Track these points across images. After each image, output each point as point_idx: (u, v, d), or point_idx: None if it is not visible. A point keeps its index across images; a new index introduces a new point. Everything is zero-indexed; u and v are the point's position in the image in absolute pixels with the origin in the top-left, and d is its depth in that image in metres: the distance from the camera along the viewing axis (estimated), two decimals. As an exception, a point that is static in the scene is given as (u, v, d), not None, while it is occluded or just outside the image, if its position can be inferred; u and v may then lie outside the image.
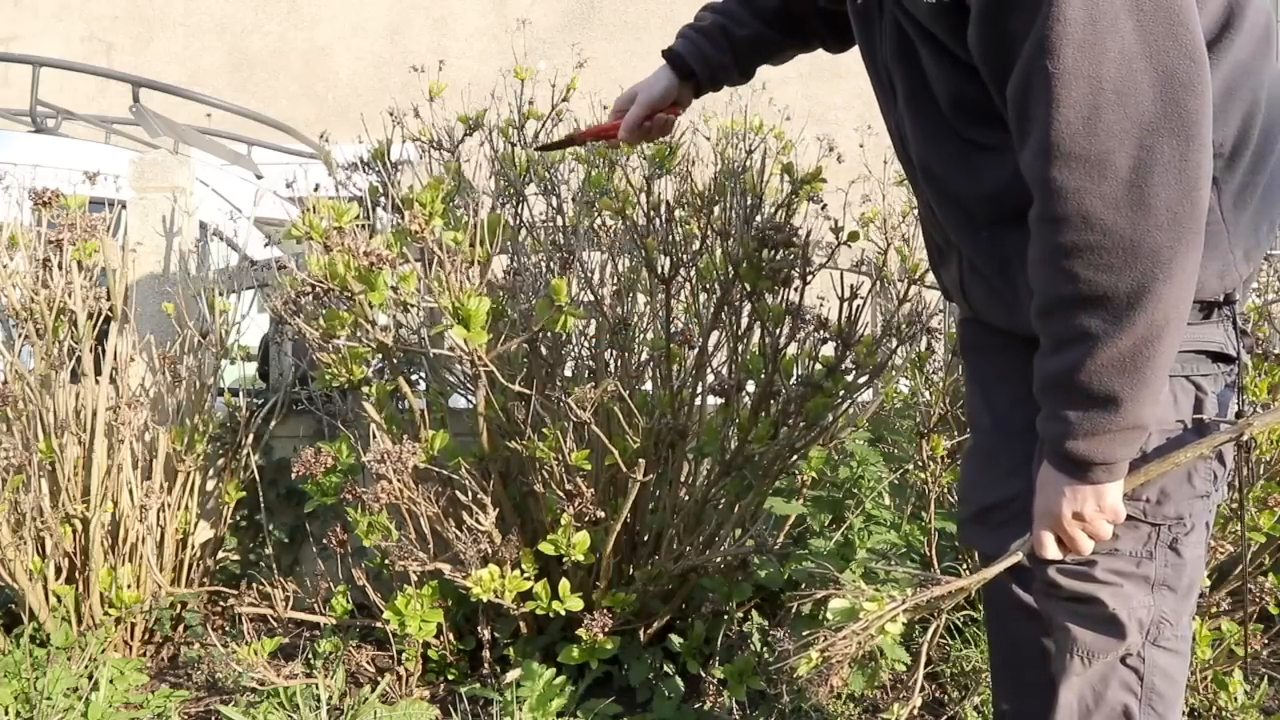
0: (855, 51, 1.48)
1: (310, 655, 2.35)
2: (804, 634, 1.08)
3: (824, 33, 1.55)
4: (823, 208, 2.13)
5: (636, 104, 1.59)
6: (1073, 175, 0.97)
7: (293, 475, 2.29)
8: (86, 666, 2.27)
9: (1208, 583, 2.13)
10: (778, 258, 2.02)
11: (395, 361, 2.24)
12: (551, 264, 2.27)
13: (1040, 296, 1.05)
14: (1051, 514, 1.10)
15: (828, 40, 1.57)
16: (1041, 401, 1.09)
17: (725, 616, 2.24)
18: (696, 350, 2.18)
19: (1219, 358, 1.17)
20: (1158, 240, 0.97)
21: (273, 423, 2.80)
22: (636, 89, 1.61)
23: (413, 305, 2.05)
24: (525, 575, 2.11)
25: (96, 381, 2.44)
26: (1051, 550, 1.12)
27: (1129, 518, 1.12)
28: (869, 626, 1.09)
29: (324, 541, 2.49)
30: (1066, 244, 0.99)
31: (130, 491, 2.50)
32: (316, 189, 2.54)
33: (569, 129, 2.69)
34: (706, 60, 1.57)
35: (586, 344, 2.38)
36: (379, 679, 2.28)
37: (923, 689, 2.26)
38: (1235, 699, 2.10)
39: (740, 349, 2.23)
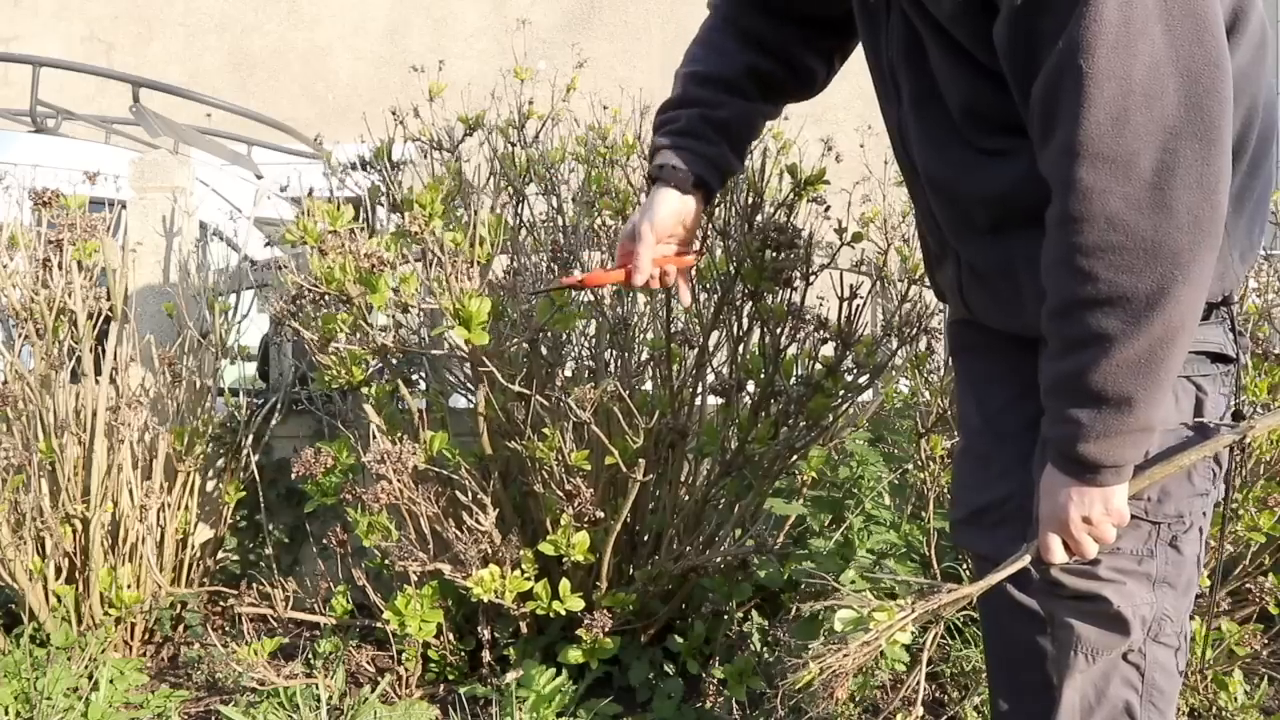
0: (856, 52, 1.48)
1: (310, 655, 2.35)
2: (809, 643, 1.08)
3: (793, 80, 1.45)
4: (826, 209, 2.13)
5: (641, 239, 1.34)
6: (1098, 175, 0.97)
7: (293, 475, 2.29)
8: (86, 666, 2.27)
9: (1207, 583, 2.14)
10: (781, 258, 2.02)
11: (395, 362, 2.24)
12: (552, 264, 2.27)
13: (1055, 297, 1.04)
14: (1058, 518, 1.10)
15: (797, 90, 1.47)
16: (1049, 404, 1.09)
17: (725, 616, 2.24)
18: (697, 350, 2.18)
19: (1218, 358, 1.17)
20: (1178, 242, 0.97)
21: (273, 423, 2.80)
22: (634, 222, 1.36)
23: (413, 306, 2.05)
24: (525, 575, 2.11)
25: (96, 381, 2.44)
26: (1059, 554, 1.12)
27: (1131, 517, 1.12)
28: (878, 638, 1.08)
29: (324, 541, 2.49)
30: (1087, 244, 0.99)
31: (130, 491, 2.50)
32: (310, 193, 2.54)
33: (569, 129, 2.70)
34: (705, 159, 1.36)
35: (586, 344, 2.38)
36: (379, 679, 2.28)
37: (919, 689, 2.26)
38: (1235, 699, 2.10)
39: (740, 349, 2.23)
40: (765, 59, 1.41)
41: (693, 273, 2.21)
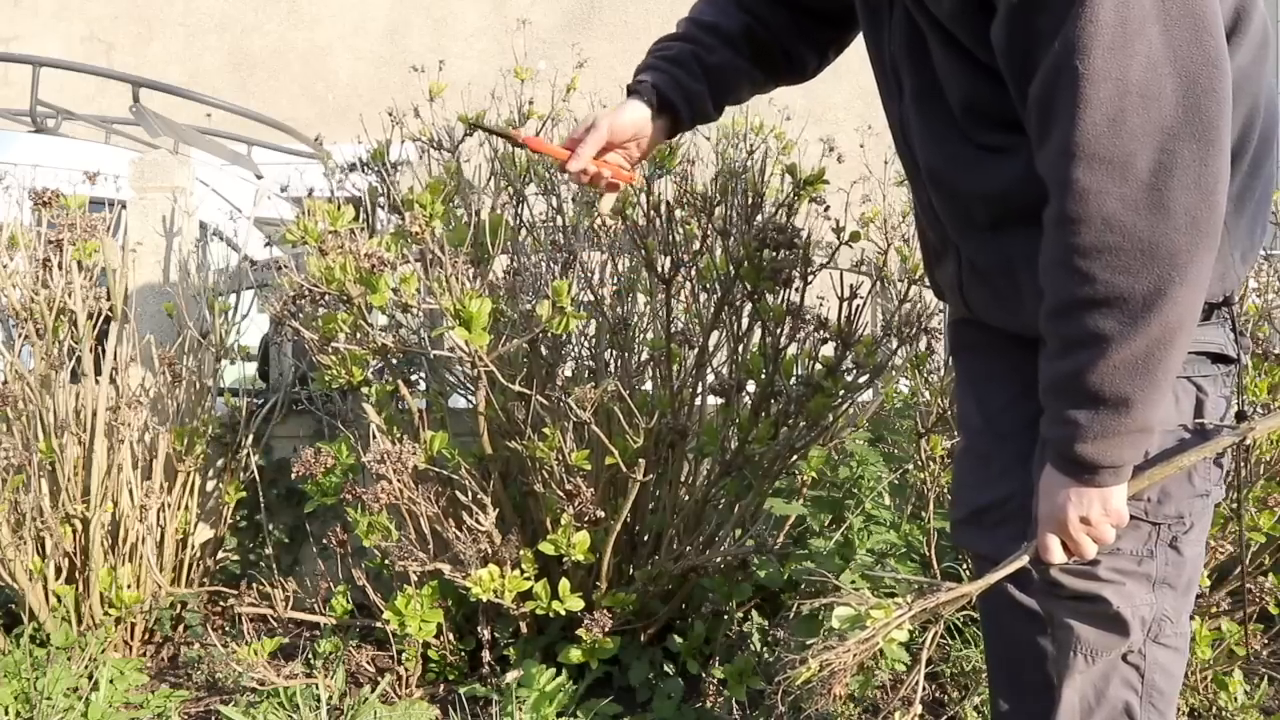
0: (857, 51, 1.48)
1: (310, 655, 2.35)
2: (806, 641, 1.08)
3: (783, 57, 1.46)
4: (825, 209, 2.13)
5: (595, 129, 1.35)
6: (1095, 176, 0.97)
7: (293, 475, 2.29)
8: (86, 666, 2.27)
9: (1208, 583, 2.13)
10: (779, 258, 2.02)
11: (395, 362, 2.24)
12: (552, 264, 2.27)
13: (1053, 297, 1.04)
14: (1057, 519, 1.10)
15: (787, 69, 1.48)
16: (1047, 404, 1.09)
17: (725, 616, 2.24)
18: (696, 350, 2.18)
19: (1218, 359, 1.17)
20: (1176, 243, 0.97)
21: (273, 423, 2.80)
22: (595, 116, 1.38)
23: (413, 306, 2.05)
24: (525, 575, 2.11)
25: (96, 381, 2.44)
26: (1057, 555, 1.12)
27: (1131, 518, 1.12)
28: (874, 635, 1.08)
29: (324, 541, 2.49)
30: (1084, 244, 0.99)
31: (130, 491, 2.50)
32: (310, 193, 2.54)
33: (569, 129, 2.69)
34: (684, 90, 1.38)
35: (586, 344, 2.38)
36: (379, 679, 2.28)
37: (922, 689, 2.27)
38: (1235, 699, 2.10)
39: (740, 349, 2.23)
40: (763, 31, 1.43)
41: (695, 272, 2.21)
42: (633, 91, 1.40)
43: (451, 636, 2.29)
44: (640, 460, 1.96)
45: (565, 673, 2.13)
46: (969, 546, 1.41)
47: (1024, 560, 1.14)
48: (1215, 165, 0.97)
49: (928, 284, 2.28)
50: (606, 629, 2.07)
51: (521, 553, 2.13)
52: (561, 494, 2.02)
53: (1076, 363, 1.03)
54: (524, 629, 2.25)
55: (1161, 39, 0.95)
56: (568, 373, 2.31)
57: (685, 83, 1.39)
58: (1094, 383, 1.02)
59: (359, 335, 2.10)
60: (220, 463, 2.72)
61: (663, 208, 2.17)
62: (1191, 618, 1.28)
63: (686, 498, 2.28)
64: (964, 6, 1.07)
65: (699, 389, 2.22)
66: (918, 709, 1.20)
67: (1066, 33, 0.97)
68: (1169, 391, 1.07)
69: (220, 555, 2.79)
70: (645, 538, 2.29)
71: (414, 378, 2.53)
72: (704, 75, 1.40)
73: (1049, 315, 1.05)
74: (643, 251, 2.14)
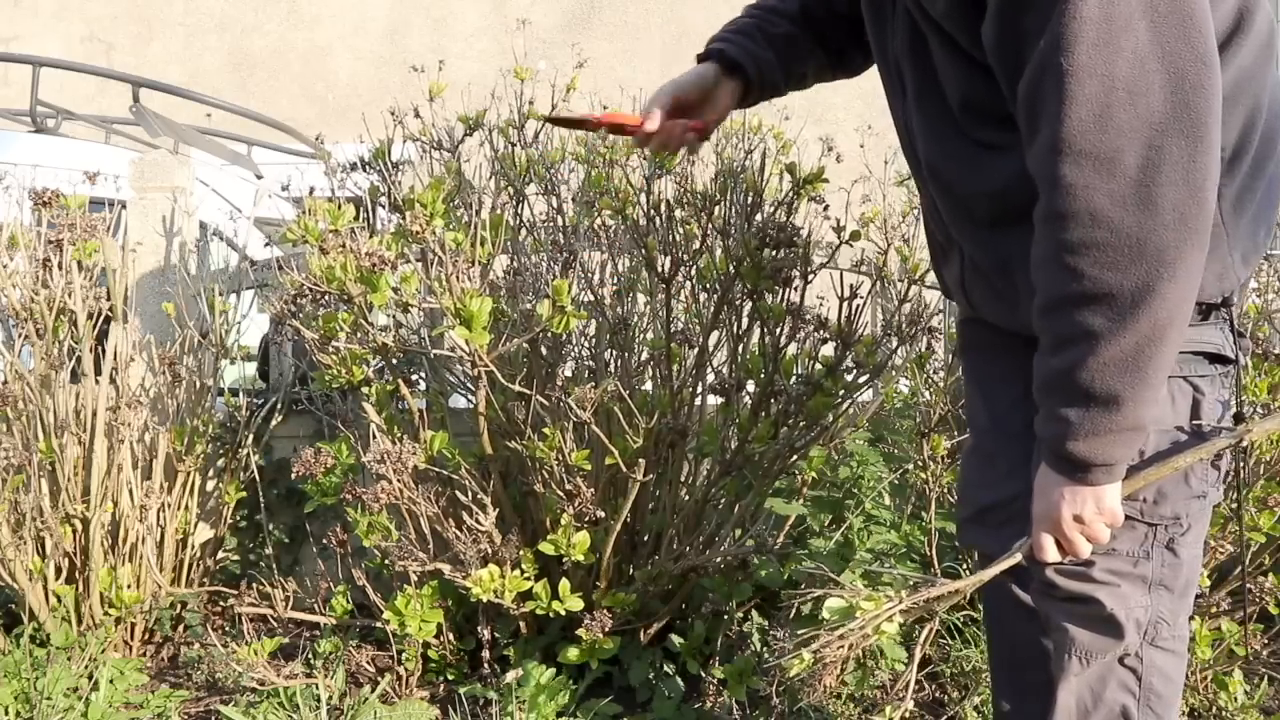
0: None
1: (310, 655, 2.35)
2: (799, 634, 1.08)
3: (836, 48, 1.48)
4: (825, 208, 2.13)
5: (662, 93, 1.40)
6: (1082, 172, 0.97)
7: (293, 475, 2.29)
8: (86, 666, 2.27)
9: (1207, 583, 2.14)
10: (779, 257, 2.02)
11: (395, 362, 2.24)
12: (552, 264, 2.27)
13: (1043, 294, 1.04)
14: (1050, 517, 1.10)
15: (839, 60, 1.50)
16: (1040, 402, 1.08)
17: (725, 616, 2.24)
18: (696, 350, 2.18)
19: (1216, 359, 1.17)
20: (1163, 239, 0.97)
21: (273, 423, 2.80)
22: (667, 85, 1.43)
23: (413, 306, 2.05)
24: (525, 575, 2.11)
25: (96, 381, 2.44)
26: (1051, 553, 1.11)
27: (1126, 518, 1.12)
28: (864, 627, 1.08)
29: (324, 541, 2.49)
30: (1072, 241, 0.99)
31: (130, 491, 2.50)
32: (311, 192, 2.54)
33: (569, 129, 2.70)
34: (752, 55, 1.41)
35: (586, 344, 2.38)
36: (379, 679, 2.28)
37: (920, 689, 2.27)
38: (1235, 699, 2.10)
39: (740, 348, 2.23)
40: (819, 13, 1.46)
41: (695, 271, 2.21)
42: (701, 59, 1.43)
43: (451, 636, 2.29)
44: (640, 460, 1.96)
45: (565, 672, 2.13)
46: (975, 545, 1.41)
47: (1017, 558, 1.14)
48: (1204, 161, 0.97)
49: (929, 284, 2.29)
50: (606, 629, 2.07)
51: (521, 553, 2.13)
52: (561, 494, 2.02)
53: (1067, 360, 1.03)
54: (524, 629, 2.25)
55: (1149, 35, 0.95)
56: (568, 373, 2.31)
57: (752, 49, 1.42)
58: (1084, 380, 1.02)
59: (359, 334, 2.10)
60: (220, 463, 2.72)
61: (662, 207, 2.17)
62: (1191, 618, 1.27)
63: (686, 498, 2.28)
64: (956, 5, 1.08)
65: (699, 389, 2.22)
66: (909, 705, 1.20)
67: (1052, 29, 0.97)
68: (1161, 389, 1.07)
69: (220, 555, 2.79)
70: (645, 538, 2.29)
71: (414, 377, 2.53)
72: (769, 44, 1.43)
73: (1040, 312, 1.05)
74: (643, 251, 2.14)
